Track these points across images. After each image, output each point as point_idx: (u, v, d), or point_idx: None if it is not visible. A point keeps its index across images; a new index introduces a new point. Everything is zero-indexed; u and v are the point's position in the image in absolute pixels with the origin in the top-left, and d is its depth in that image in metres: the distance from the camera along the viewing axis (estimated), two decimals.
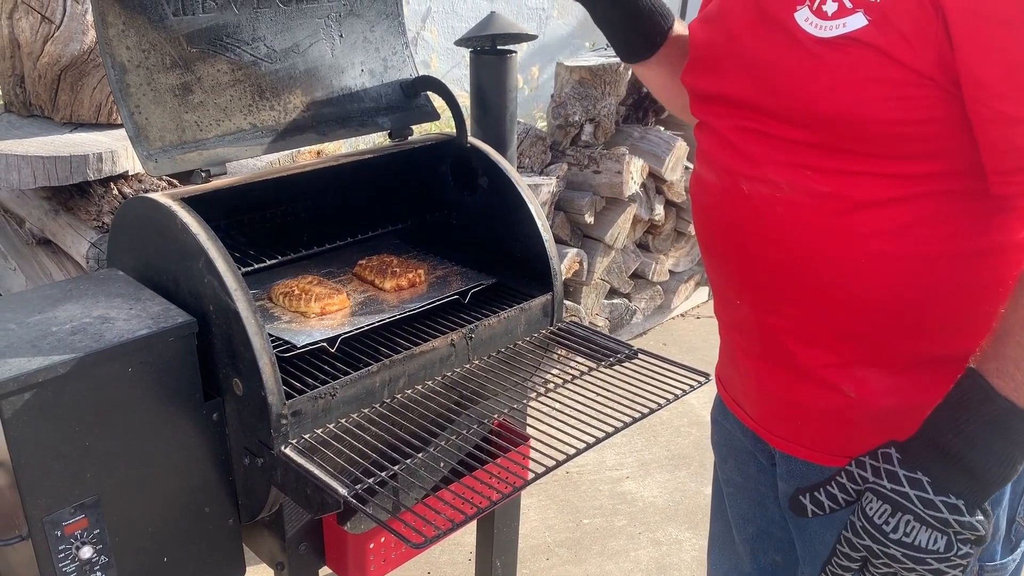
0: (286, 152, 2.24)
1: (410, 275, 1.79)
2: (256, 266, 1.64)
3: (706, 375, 1.58)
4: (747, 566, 1.50)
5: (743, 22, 1.12)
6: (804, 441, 1.20)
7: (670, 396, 1.55)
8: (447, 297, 1.74)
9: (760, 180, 1.10)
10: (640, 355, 1.69)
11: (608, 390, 1.57)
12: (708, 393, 1.57)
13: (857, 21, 0.97)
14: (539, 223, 1.76)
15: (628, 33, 1.38)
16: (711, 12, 1.22)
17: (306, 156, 2.50)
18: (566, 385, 1.59)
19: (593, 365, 1.67)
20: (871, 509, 0.93)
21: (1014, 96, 0.92)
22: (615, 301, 3.96)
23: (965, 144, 0.97)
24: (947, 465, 0.90)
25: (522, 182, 1.79)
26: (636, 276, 4.09)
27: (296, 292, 1.67)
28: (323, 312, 1.66)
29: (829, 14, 0.99)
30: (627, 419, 1.49)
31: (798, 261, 1.09)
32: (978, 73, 0.92)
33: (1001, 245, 1.03)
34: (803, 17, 1.02)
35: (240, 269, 1.46)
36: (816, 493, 0.99)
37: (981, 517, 0.89)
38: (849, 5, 0.98)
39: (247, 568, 1.63)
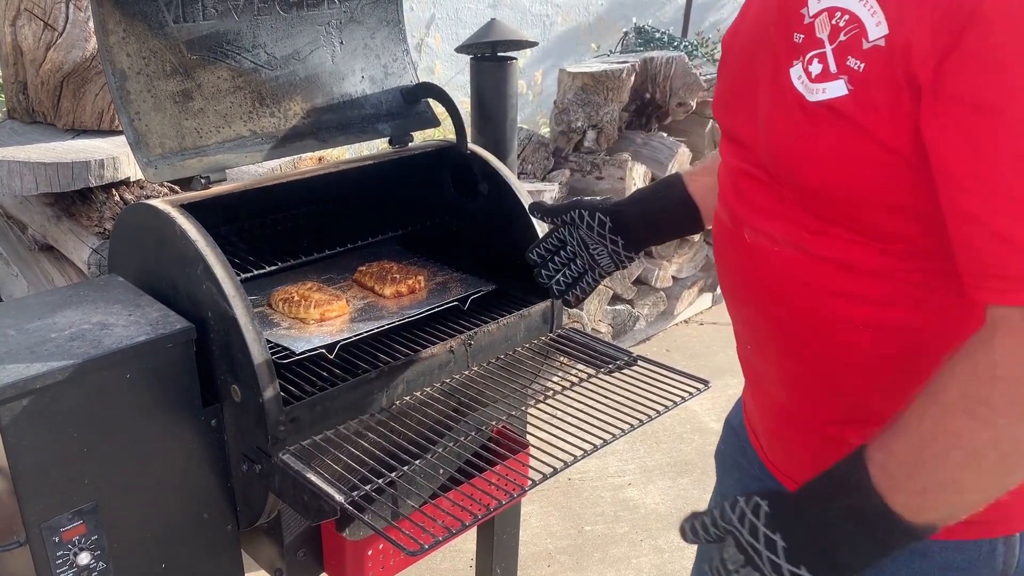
0: (286, 159, 2.25)
1: (409, 281, 1.79)
2: (255, 272, 1.64)
3: (706, 382, 1.57)
4: None
5: (759, 62, 1.04)
6: None
7: (670, 403, 1.54)
8: (446, 304, 1.74)
9: (760, 231, 1.06)
10: (640, 361, 1.69)
11: (608, 396, 1.57)
12: (711, 400, 1.57)
13: (838, 89, 0.90)
14: (539, 229, 1.75)
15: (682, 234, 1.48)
16: (742, 35, 1.13)
17: (307, 163, 2.51)
18: (565, 392, 1.58)
19: (593, 372, 1.66)
20: (727, 554, 0.94)
21: (981, 194, 0.81)
22: (618, 307, 3.96)
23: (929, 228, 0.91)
24: (805, 538, 0.88)
25: (522, 189, 1.79)
26: (639, 282, 4.09)
27: (295, 298, 1.67)
28: (322, 318, 1.66)
29: (813, 76, 0.92)
30: (627, 426, 1.48)
31: (793, 317, 1.05)
32: (945, 162, 0.84)
33: (925, 331, 0.99)
34: (796, 75, 0.94)
35: (239, 275, 1.46)
36: (695, 520, 0.98)
37: None
38: (833, 70, 0.90)
39: (245, 574, 1.62)
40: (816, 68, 0.92)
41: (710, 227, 1.40)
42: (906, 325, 0.98)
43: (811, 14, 0.94)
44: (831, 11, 0.92)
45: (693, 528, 0.99)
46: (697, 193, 1.39)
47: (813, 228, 0.99)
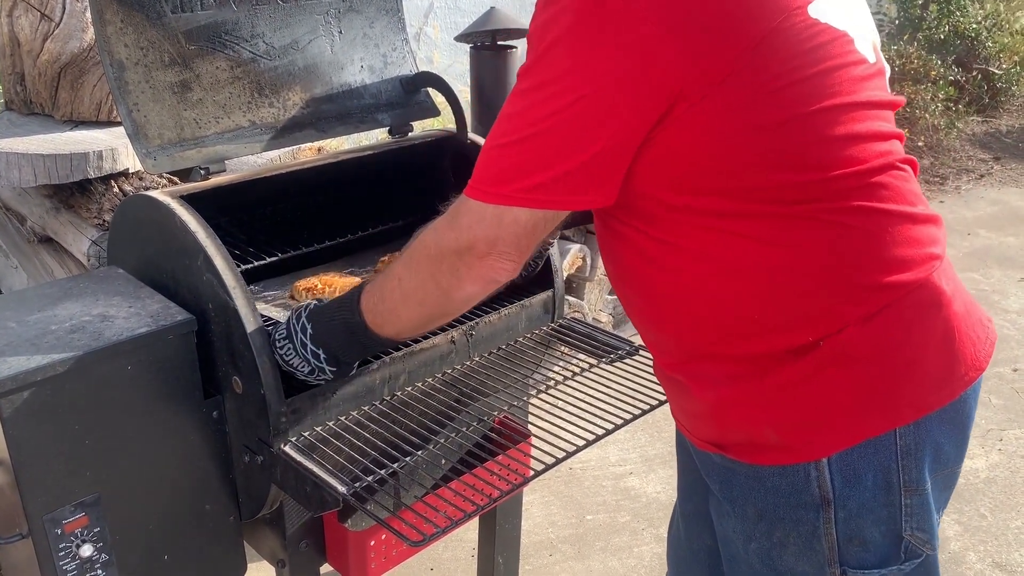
0: (286, 149, 2.24)
1: None
2: (256, 263, 1.64)
3: None
4: (684, 549, 1.54)
5: None
6: (686, 428, 1.30)
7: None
8: None
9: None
10: (641, 351, 1.69)
11: (609, 386, 1.56)
12: None
13: None
14: None
15: None
16: None
17: (306, 153, 2.50)
18: (567, 382, 1.58)
19: (594, 362, 1.66)
20: (277, 331, 1.35)
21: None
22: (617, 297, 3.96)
23: None
24: (321, 332, 1.30)
25: None
26: None
27: (320, 287, 1.66)
28: None
29: None
30: (628, 415, 1.48)
31: (614, 276, 1.26)
32: None
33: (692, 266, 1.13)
34: None
35: (239, 267, 1.46)
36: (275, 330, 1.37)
37: (333, 368, 1.32)
38: None
39: (248, 566, 1.63)
40: None
41: None
42: (648, 275, 1.17)
43: None
44: None
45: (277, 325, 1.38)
46: None
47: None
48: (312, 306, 1.33)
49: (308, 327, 1.30)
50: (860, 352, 1.07)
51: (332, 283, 1.67)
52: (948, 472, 1.16)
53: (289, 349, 1.32)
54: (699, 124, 1.00)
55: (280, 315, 1.57)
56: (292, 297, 1.69)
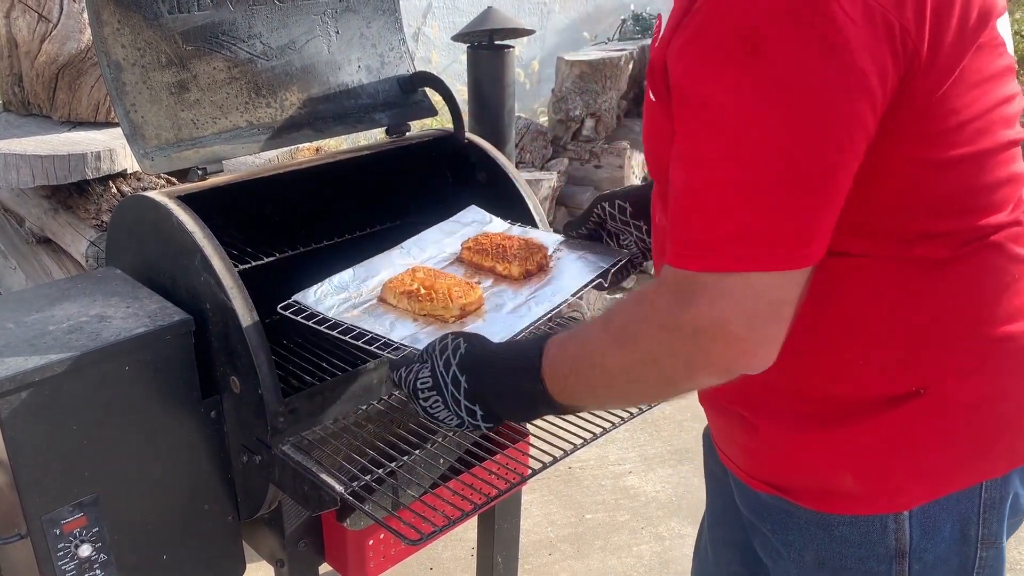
0: (284, 149, 2.24)
1: (538, 257, 1.53)
2: (253, 263, 1.64)
3: None
4: (711, 570, 1.47)
5: None
6: (735, 463, 1.21)
7: None
8: (594, 280, 1.48)
9: (656, 220, 1.16)
10: None
11: None
12: None
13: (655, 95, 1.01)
14: (537, 218, 1.75)
15: None
16: None
17: (304, 153, 2.50)
18: None
19: None
20: (420, 375, 1.11)
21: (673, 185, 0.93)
22: (617, 296, 3.96)
23: None
24: (483, 386, 1.07)
25: (519, 177, 1.79)
26: (641, 272, 4.08)
27: (422, 291, 1.41)
28: (463, 313, 1.40)
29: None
30: (626, 414, 1.48)
31: None
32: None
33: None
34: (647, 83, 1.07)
35: (237, 267, 1.46)
36: (401, 368, 1.14)
37: (490, 424, 1.10)
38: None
39: (247, 565, 1.63)
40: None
41: None
42: None
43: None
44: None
45: (412, 352, 1.19)
46: None
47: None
48: (463, 352, 1.09)
49: (462, 380, 1.07)
50: (961, 402, 1.00)
51: (431, 285, 1.41)
52: (1019, 520, 1.11)
53: (437, 402, 1.09)
54: (876, 161, 0.89)
55: (377, 326, 1.36)
56: (383, 300, 1.44)
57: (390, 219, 1.87)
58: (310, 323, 1.37)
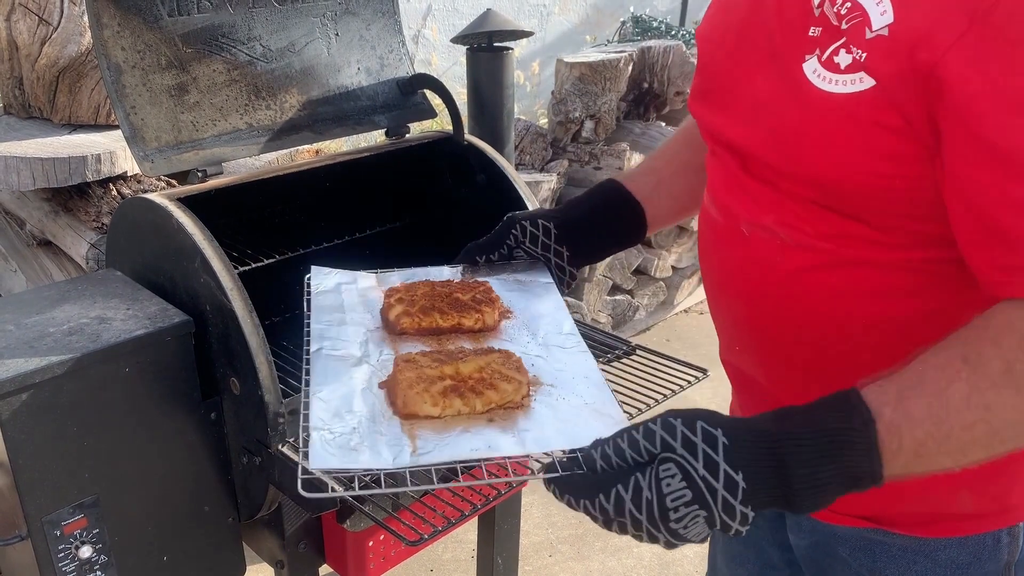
0: (283, 151, 2.24)
1: (491, 293, 1.23)
2: (253, 265, 1.64)
3: (704, 370, 1.57)
4: None
5: (753, 59, 1.01)
6: None
7: (668, 391, 1.54)
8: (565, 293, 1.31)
9: (760, 225, 1.03)
10: (638, 351, 1.69)
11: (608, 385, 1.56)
12: (711, 389, 1.57)
13: (865, 81, 0.87)
14: None
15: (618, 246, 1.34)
16: (717, 29, 1.11)
17: (304, 155, 2.51)
18: None
19: None
20: (668, 487, 0.78)
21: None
22: (617, 298, 3.96)
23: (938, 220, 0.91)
24: (773, 482, 0.78)
25: (519, 179, 1.79)
26: (638, 272, 4.09)
27: (452, 375, 1.04)
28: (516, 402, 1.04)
29: (842, 67, 0.89)
30: (626, 415, 1.48)
31: (797, 310, 1.01)
32: (997, 152, 0.80)
33: (945, 311, 0.97)
34: (811, 69, 0.91)
35: (237, 268, 1.46)
36: (605, 446, 0.83)
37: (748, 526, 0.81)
38: (862, 60, 0.87)
39: (247, 567, 1.63)
40: (844, 59, 0.88)
41: (652, 234, 1.40)
42: (904, 314, 0.98)
43: (817, 3, 0.92)
44: None
45: (605, 454, 0.83)
46: (640, 193, 1.29)
47: (818, 224, 0.97)
48: (727, 442, 0.79)
49: (739, 480, 0.78)
50: None
51: (466, 371, 1.05)
52: None
53: (696, 518, 0.79)
54: None
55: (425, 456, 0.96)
56: (407, 415, 1.01)
57: (389, 220, 1.88)
58: (367, 493, 0.98)
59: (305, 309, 1.22)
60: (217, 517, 1.52)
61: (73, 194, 2.44)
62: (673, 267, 4.21)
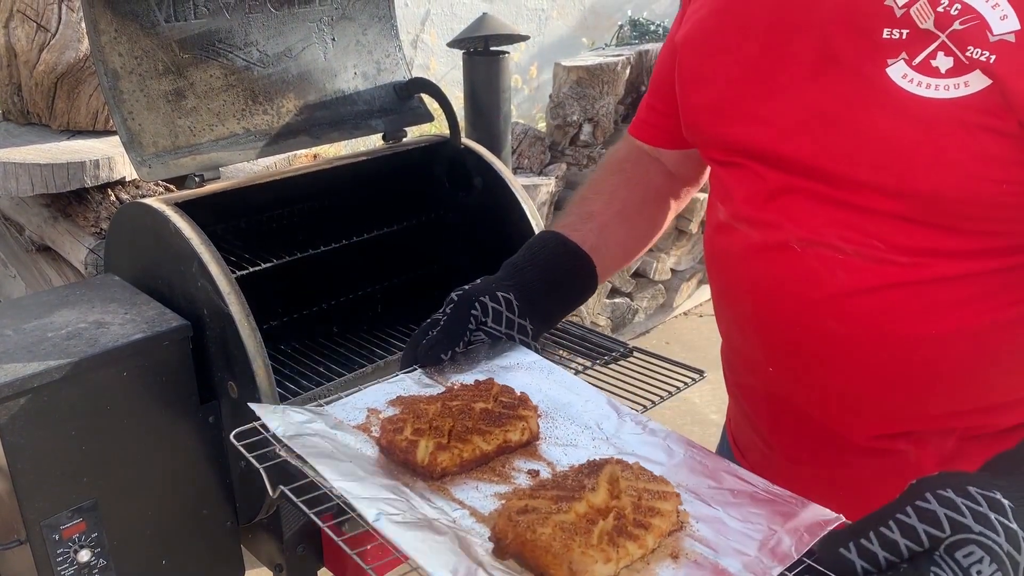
0: (281, 156, 2.25)
1: (515, 395, 0.98)
2: (251, 269, 1.64)
3: (701, 372, 1.57)
4: None
5: (798, 66, 0.94)
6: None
7: (665, 393, 1.54)
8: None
9: (818, 243, 0.95)
10: (636, 353, 1.69)
11: (604, 388, 1.57)
12: (711, 391, 1.57)
13: (977, 82, 0.82)
14: (533, 223, 1.76)
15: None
16: (722, 35, 1.03)
17: (302, 160, 2.51)
18: None
19: (589, 363, 1.67)
20: (980, 572, 0.66)
21: None
22: (616, 300, 3.96)
23: None
24: None
25: (516, 182, 1.80)
26: (637, 275, 4.09)
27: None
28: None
29: (942, 71, 0.83)
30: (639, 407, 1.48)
31: (857, 329, 0.96)
32: None
33: None
34: (899, 73, 0.86)
35: (234, 273, 1.46)
36: (865, 541, 0.68)
37: None
38: (966, 60, 0.82)
39: (246, 570, 1.63)
40: (944, 63, 0.83)
41: (602, 284, 1.25)
42: (991, 324, 0.93)
43: (901, 4, 0.86)
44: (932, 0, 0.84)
45: (866, 554, 0.68)
46: (586, 244, 1.16)
47: (898, 239, 0.91)
48: (1001, 495, 0.68)
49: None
50: None
51: (590, 503, 0.81)
52: None
53: None
54: None
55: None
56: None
57: (387, 224, 1.88)
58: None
59: (285, 454, 0.88)
60: (216, 521, 1.52)
61: (72, 200, 2.45)
62: (672, 270, 4.21)
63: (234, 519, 1.55)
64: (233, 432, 0.90)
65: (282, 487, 0.87)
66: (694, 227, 4.05)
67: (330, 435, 0.91)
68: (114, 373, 1.34)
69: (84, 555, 1.35)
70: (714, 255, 1.12)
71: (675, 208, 1.30)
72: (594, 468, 0.85)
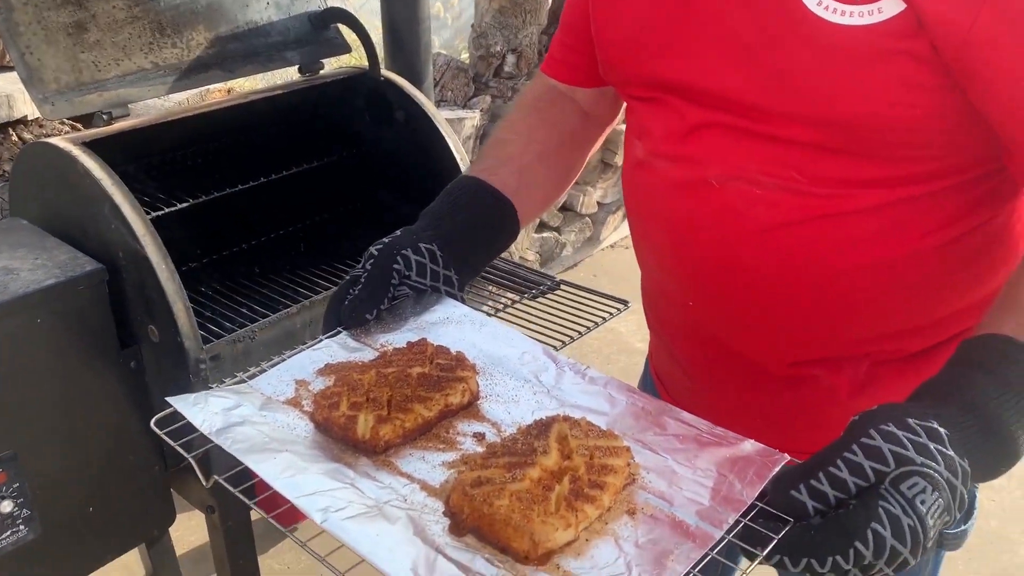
0: (192, 91, 2.17)
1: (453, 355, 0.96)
2: (167, 210, 1.59)
3: (626, 302, 1.60)
4: None
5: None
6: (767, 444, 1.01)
7: (591, 324, 1.57)
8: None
9: (737, 178, 0.95)
10: (563, 286, 1.71)
11: (532, 321, 1.58)
12: (636, 322, 1.60)
13: (890, 6, 0.82)
14: (458, 157, 1.74)
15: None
16: None
17: (215, 95, 2.43)
18: (490, 318, 1.60)
19: (516, 297, 1.68)
20: (924, 503, 0.67)
21: None
22: (544, 235, 3.98)
23: (971, 141, 0.89)
24: (995, 451, 0.74)
25: (439, 115, 1.77)
26: (565, 209, 4.11)
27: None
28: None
29: None
30: (551, 349, 1.50)
31: (777, 264, 0.96)
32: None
33: (987, 226, 0.98)
34: (815, 1, 0.85)
35: (149, 214, 1.42)
36: (815, 481, 0.70)
37: None
38: None
39: (178, 513, 1.63)
40: None
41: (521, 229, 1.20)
42: (907, 252, 0.95)
43: None
44: None
45: (816, 494, 0.70)
46: (507, 189, 1.13)
47: (816, 170, 0.92)
48: (939, 425, 0.71)
49: (967, 464, 0.71)
50: None
51: (544, 466, 0.79)
52: None
53: (944, 525, 0.71)
54: None
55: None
56: (544, 559, 0.73)
57: (307, 161, 1.84)
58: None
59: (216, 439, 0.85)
60: (143, 467, 1.51)
61: None
62: (599, 203, 4.24)
63: (162, 463, 1.53)
64: (153, 419, 0.86)
65: (216, 477, 0.85)
66: (619, 159, 4.07)
67: (260, 419, 0.87)
68: (27, 321, 1.29)
69: (6, 506, 1.32)
70: (633, 192, 1.12)
71: (591, 150, 1.29)
72: (542, 428, 0.84)
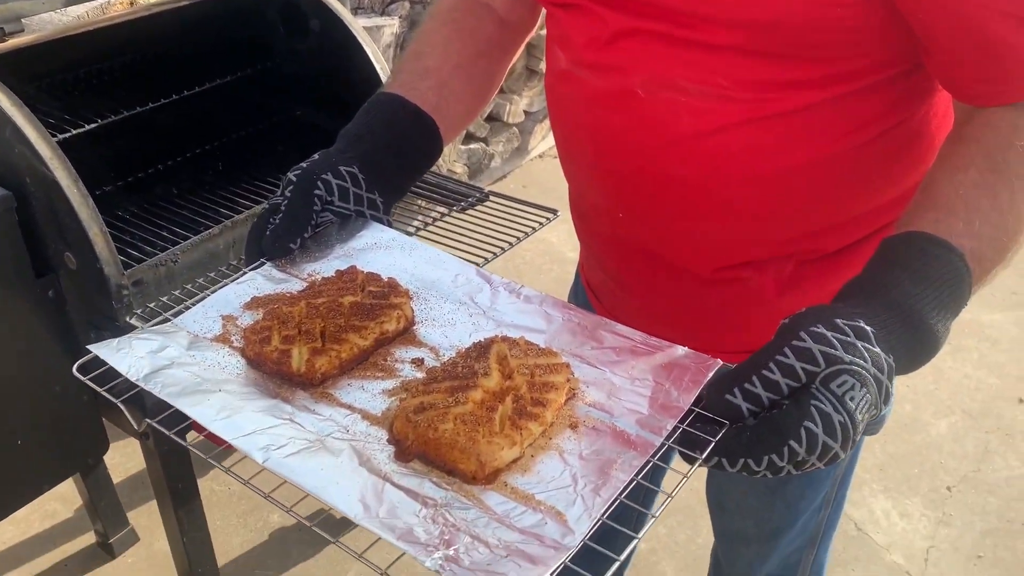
0: (92, 4, 2.04)
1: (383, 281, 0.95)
2: (74, 131, 1.53)
3: (555, 211, 1.60)
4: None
5: None
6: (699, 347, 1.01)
7: (520, 234, 1.57)
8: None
9: (662, 86, 0.94)
10: (492, 197, 1.70)
11: (463, 233, 1.57)
12: (566, 231, 1.60)
13: None
14: (378, 67, 1.70)
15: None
16: None
17: (117, 8, 2.30)
18: (420, 232, 1.59)
19: (446, 210, 1.67)
20: (853, 399, 0.70)
21: None
22: (472, 146, 3.93)
23: (891, 40, 0.89)
24: (916, 346, 0.77)
25: (356, 24, 1.71)
26: (491, 119, 4.06)
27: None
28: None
29: None
30: (482, 260, 1.51)
31: (704, 171, 0.96)
32: None
33: (905, 125, 0.99)
34: None
35: (55, 136, 1.36)
36: (749, 385, 0.72)
37: None
38: None
39: (111, 442, 1.61)
40: None
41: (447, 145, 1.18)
42: (829, 153, 0.96)
43: None
44: None
45: (750, 396, 0.72)
46: (427, 105, 1.09)
47: (737, 74, 0.92)
48: (864, 323, 0.73)
49: (892, 360, 0.73)
50: None
51: (485, 388, 0.80)
52: None
53: (871, 418, 0.74)
54: None
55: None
56: (491, 478, 0.74)
57: (219, 76, 1.77)
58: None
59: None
60: (70, 397, 1.48)
61: None
62: (525, 112, 4.20)
63: (90, 392, 1.50)
64: (75, 365, 0.83)
65: (148, 420, 0.83)
66: (543, 66, 4.02)
67: (188, 359, 0.84)
68: None
69: None
70: (556, 103, 1.10)
71: (512, 58, 1.26)
72: (481, 350, 0.84)
